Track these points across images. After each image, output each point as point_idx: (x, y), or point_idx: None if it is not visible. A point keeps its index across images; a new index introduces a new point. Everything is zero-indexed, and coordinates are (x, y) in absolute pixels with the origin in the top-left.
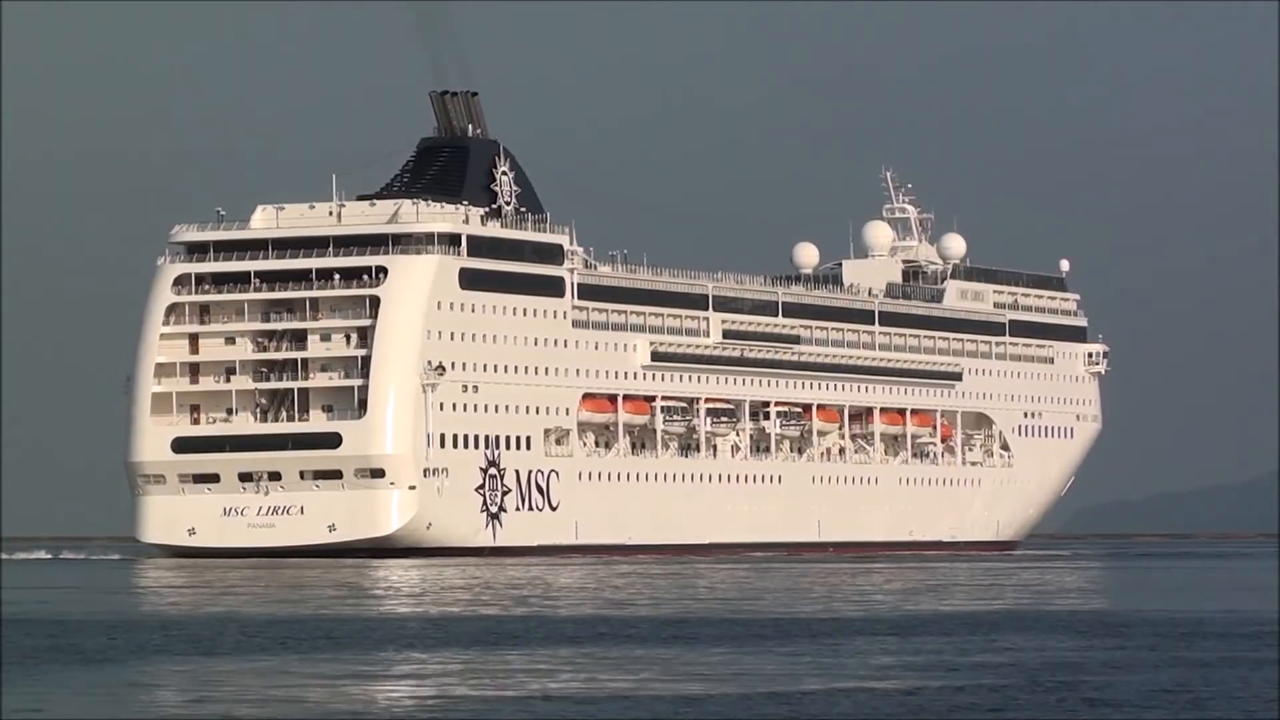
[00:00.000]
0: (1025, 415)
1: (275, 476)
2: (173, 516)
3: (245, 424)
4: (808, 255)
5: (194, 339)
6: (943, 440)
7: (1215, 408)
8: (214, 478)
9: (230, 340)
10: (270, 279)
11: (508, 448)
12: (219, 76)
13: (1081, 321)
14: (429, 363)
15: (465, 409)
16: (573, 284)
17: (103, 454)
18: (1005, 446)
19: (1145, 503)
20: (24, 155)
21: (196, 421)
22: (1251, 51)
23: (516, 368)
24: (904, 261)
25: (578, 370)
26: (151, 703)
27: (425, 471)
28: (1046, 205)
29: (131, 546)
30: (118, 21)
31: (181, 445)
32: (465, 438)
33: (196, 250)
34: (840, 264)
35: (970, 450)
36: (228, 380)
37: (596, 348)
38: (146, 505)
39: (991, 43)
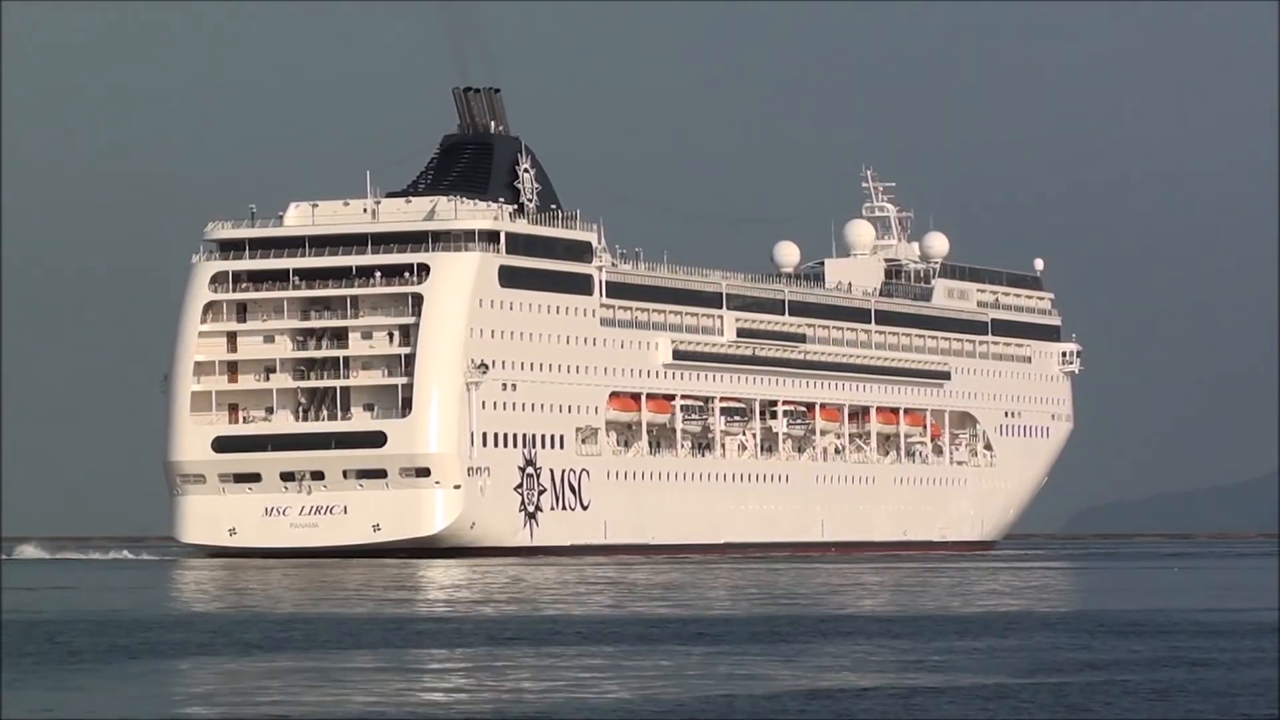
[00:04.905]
0: (1006, 415)
1: (318, 476)
2: (213, 516)
3: (286, 423)
4: (789, 254)
5: (232, 337)
6: (931, 440)
7: (1215, 407)
8: (255, 477)
9: (269, 339)
10: (309, 276)
11: (542, 446)
12: (240, 75)
13: (1056, 320)
14: (472, 361)
15: (505, 408)
16: (601, 282)
17: (119, 454)
18: (989, 446)
19: (1145, 503)
20: (55, 154)
21: (236, 420)
22: (1237, 51)
23: (551, 366)
24: (885, 260)
25: (605, 369)
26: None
27: (469, 471)
28: (1020, 204)
29: (137, 546)
30: (145, 20)
31: (222, 444)
32: (505, 437)
33: (231, 248)
34: (822, 263)
35: (956, 449)
36: (267, 379)
37: (623, 346)
38: (186, 505)
39: (974, 42)
